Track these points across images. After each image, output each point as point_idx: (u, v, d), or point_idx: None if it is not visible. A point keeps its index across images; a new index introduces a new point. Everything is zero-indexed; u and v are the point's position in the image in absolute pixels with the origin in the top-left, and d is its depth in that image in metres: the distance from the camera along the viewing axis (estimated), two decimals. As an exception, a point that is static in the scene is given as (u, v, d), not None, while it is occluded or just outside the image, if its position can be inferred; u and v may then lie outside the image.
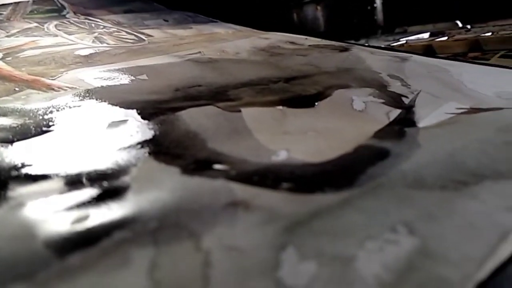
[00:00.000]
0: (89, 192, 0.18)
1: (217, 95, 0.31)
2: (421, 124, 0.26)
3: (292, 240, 0.15)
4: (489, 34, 0.57)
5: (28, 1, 0.71)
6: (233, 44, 0.50)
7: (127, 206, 0.17)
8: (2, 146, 0.22)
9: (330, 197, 0.17)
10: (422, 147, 0.23)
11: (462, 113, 0.28)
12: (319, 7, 0.89)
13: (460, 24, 0.80)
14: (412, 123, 0.26)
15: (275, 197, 0.17)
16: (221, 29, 0.61)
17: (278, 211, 0.16)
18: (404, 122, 0.26)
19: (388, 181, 0.19)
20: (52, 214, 0.16)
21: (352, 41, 0.67)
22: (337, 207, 0.17)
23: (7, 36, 0.51)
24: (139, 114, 0.27)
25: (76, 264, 0.13)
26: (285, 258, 0.14)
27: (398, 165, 0.20)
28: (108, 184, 0.18)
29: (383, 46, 0.59)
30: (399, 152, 0.22)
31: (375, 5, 0.89)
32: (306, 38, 0.53)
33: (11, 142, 0.23)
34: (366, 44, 0.62)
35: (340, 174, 0.19)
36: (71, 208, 0.16)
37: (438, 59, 0.44)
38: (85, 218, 0.16)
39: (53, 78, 0.35)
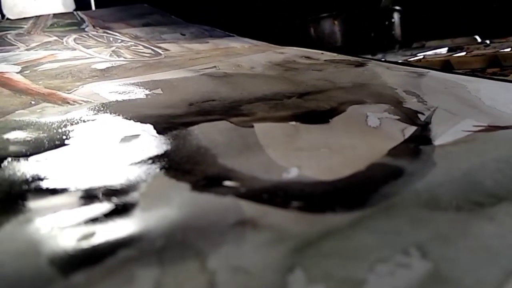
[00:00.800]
0: (98, 208, 0.17)
1: (230, 110, 0.31)
2: (437, 142, 0.26)
3: (300, 262, 0.14)
4: (509, 49, 0.56)
5: (48, 15, 0.72)
6: (248, 59, 0.50)
7: (134, 223, 0.16)
8: (15, 160, 0.22)
9: (341, 217, 0.17)
10: (437, 166, 0.22)
11: (479, 130, 0.27)
12: (336, 22, 0.89)
13: (479, 39, 0.80)
14: (428, 141, 0.26)
15: (284, 216, 0.17)
16: (237, 44, 0.61)
17: (286, 231, 0.16)
18: (420, 140, 0.26)
19: (401, 201, 0.18)
20: (59, 230, 0.16)
21: (369, 56, 0.67)
22: (348, 228, 0.16)
23: (27, 50, 0.52)
24: (152, 128, 0.27)
25: (80, 282, 0.13)
26: (292, 281, 0.14)
27: (412, 185, 0.20)
28: (117, 200, 0.18)
29: (399, 61, 0.58)
30: (413, 171, 0.21)
31: (393, 20, 0.89)
32: (322, 53, 0.53)
33: (24, 156, 0.23)
34: (383, 59, 0.62)
35: (352, 193, 0.19)
36: (78, 224, 0.16)
37: (455, 75, 0.43)
38: (91, 235, 0.16)
39: (69, 91, 0.35)
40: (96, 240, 0.15)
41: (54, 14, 0.73)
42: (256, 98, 0.34)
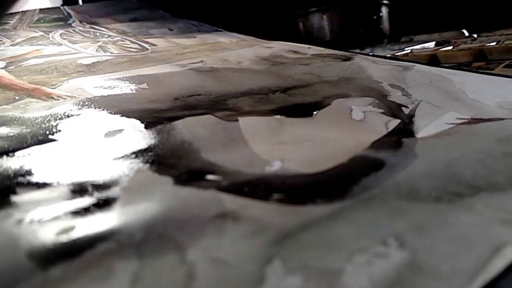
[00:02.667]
0: (78, 202, 0.17)
1: (215, 104, 0.31)
2: (419, 134, 0.26)
3: (279, 253, 0.15)
4: (494, 43, 0.56)
5: (35, 10, 0.71)
6: (235, 53, 0.50)
7: (114, 217, 0.16)
8: (-3, 155, 0.22)
9: (321, 209, 0.17)
10: (418, 158, 0.22)
11: (462, 123, 0.28)
12: (324, 16, 0.89)
13: (466, 33, 0.80)
14: (411, 134, 0.26)
15: (265, 208, 0.17)
16: (225, 38, 0.61)
17: (267, 223, 0.16)
18: (403, 133, 0.26)
19: (381, 193, 0.19)
20: (39, 225, 0.16)
21: (357, 50, 0.67)
22: (328, 219, 0.17)
23: (12, 45, 0.52)
24: (136, 123, 0.27)
25: (58, 276, 0.13)
26: (270, 272, 0.14)
27: (393, 176, 0.20)
28: (98, 195, 0.18)
29: (387, 55, 0.58)
30: (394, 163, 0.21)
31: (381, 14, 0.89)
32: (309, 47, 0.53)
33: (7, 151, 0.23)
34: (370, 54, 0.62)
35: (333, 185, 0.19)
36: (58, 218, 0.16)
37: (441, 68, 0.43)
38: (71, 229, 0.16)
39: (53, 87, 0.35)
40: (75, 234, 0.15)
41: (41, 9, 0.72)
42: (242, 93, 0.34)
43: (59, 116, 0.28)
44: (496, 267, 0.14)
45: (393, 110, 0.30)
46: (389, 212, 0.17)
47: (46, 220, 0.16)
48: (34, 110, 0.29)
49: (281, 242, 0.15)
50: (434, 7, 0.90)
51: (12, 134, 0.25)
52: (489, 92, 0.34)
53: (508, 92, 0.34)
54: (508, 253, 0.15)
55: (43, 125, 0.27)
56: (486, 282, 0.14)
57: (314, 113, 0.29)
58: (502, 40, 0.59)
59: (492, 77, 0.40)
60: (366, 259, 0.14)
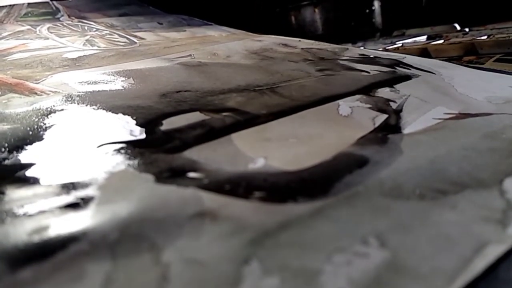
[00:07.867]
0: (53, 202, 0.17)
1: (202, 100, 0.30)
2: (406, 130, 0.25)
3: (257, 253, 0.14)
4: (485, 37, 0.56)
5: (23, 4, 0.71)
6: (225, 47, 0.49)
7: (89, 216, 0.16)
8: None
9: (302, 207, 0.17)
10: (404, 154, 0.22)
11: (449, 118, 0.27)
12: (317, 10, 0.89)
13: (458, 27, 0.80)
14: (398, 129, 0.26)
15: (245, 206, 0.17)
16: (215, 32, 0.61)
17: (246, 222, 0.16)
18: (389, 128, 0.26)
19: (364, 190, 0.18)
20: (11, 224, 0.16)
21: (349, 44, 0.67)
22: (308, 217, 0.16)
23: (-2, 39, 0.51)
24: (119, 119, 0.26)
25: (27, 278, 0.13)
26: (247, 273, 0.13)
27: (376, 173, 0.20)
28: (75, 193, 0.18)
29: (377, 49, 0.58)
30: (379, 159, 0.21)
31: (373, 8, 0.89)
32: (299, 40, 0.53)
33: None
34: (362, 47, 0.62)
35: (315, 182, 0.19)
36: (31, 218, 0.16)
37: (431, 61, 0.43)
38: (44, 229, 0.15)
39: (37, 81, 0.34)
40: (48, 234, 0.15)
41: (29, 4, 0.71)
42: (230, 89, 0.33)
43: (42, 112, 0.27)
44: (477, 267, 0.14)
45: (381, 105, 0.29)
46: (371, 210, 0.17)
47: (19, 219, 0.16)
48: (16, 106, 0.29)
49: (260, 242, 0.15)
50: (426, 1, 0.90)
51: (-8, 130, 0.25)
52: (478, 87, 0.34)
53: (497, 87, 0.34)
54: (490, 252, 0.15)
55: (25, 121, 0.26)
56: (467, 283, 0.13)
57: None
58: (493, 34, 0.59)
59: (481, 71, 0.40)
60: (345, 259, 0.14)
